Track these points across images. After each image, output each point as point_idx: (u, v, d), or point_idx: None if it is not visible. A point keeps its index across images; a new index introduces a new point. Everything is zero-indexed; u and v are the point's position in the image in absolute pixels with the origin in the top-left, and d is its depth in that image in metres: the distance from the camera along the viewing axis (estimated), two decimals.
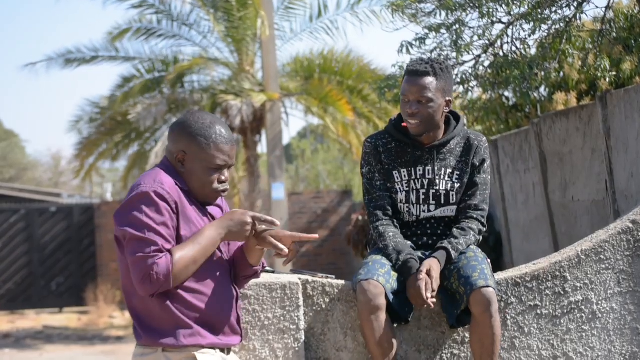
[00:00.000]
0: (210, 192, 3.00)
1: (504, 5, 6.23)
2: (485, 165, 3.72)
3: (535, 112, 8.34)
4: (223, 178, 2.99)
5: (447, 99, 3.65)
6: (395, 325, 3.58)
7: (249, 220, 2.96)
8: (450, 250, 3.55)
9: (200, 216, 3.00)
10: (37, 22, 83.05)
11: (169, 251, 2.83)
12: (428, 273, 3.46)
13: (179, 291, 2.90)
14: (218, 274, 3.00)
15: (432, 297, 3.45)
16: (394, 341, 3.48)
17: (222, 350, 3.01)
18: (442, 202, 3.68)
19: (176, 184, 2.95)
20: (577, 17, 6.12)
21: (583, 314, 3.75)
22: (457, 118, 3.76)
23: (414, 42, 6.41)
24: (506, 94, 8.68)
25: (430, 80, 3.59)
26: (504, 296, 3.72)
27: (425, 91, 3.58)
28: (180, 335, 2.88)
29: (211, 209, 3.09)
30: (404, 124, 3.73)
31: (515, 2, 6.14)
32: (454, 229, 3.64)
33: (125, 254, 2.87)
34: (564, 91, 7.61)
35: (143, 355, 2.93)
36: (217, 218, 3.05)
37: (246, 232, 2.96)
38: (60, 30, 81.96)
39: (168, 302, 2.88)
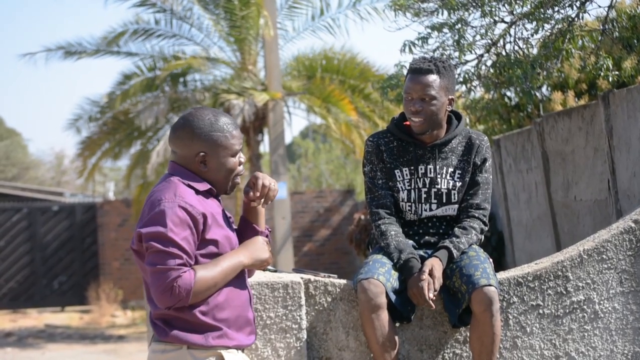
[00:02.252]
0: (234, 177, 3.09)
1: (506, 5, 6.23)
2: (487, 164, 3.72)
3: (538, 111, 8.34)
4: (242, 160, 3.11)
5: (450, 97, 3.65)
6: (397, 324, 3.58)
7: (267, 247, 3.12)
8: (452, 249, 3.55)
9: (221, 215, 3.07)
10: (39, 22, 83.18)
11: (192, 268, 2.88)
12: (430, 273, 3.46)
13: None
14: (239, 275, 3.04)
15: (434, 297, 3.45)
16: (396, 340, 3.48)
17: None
18: (444, 201, 3.68)
19: (196, 192, 2.97)
20: (580, 17, 6.11)
21: (585, 314, 3.75)
22: (459, 117, 3.76)
23: (416, 42, 6.41)
24: (508, 93, 8.68)
25: (433, 78, 3.59)
26: (506, 296, 3.72)
27: (428, 89, 3.59)
28: (209, 336, 2.93)
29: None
30: (405, 123, 3.73)
31: (517, 2, 6.15)
32: (456, 228, 3.64)
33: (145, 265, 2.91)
34: (563, 90, 7.61)
35: (165, 352, 2.93)
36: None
37: (269, 258, 3.10)
38: (63, 31, 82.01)
39: (196, 306, 2.91)
